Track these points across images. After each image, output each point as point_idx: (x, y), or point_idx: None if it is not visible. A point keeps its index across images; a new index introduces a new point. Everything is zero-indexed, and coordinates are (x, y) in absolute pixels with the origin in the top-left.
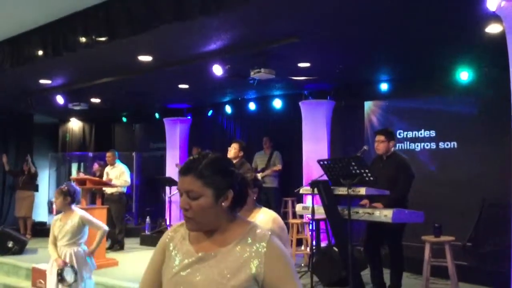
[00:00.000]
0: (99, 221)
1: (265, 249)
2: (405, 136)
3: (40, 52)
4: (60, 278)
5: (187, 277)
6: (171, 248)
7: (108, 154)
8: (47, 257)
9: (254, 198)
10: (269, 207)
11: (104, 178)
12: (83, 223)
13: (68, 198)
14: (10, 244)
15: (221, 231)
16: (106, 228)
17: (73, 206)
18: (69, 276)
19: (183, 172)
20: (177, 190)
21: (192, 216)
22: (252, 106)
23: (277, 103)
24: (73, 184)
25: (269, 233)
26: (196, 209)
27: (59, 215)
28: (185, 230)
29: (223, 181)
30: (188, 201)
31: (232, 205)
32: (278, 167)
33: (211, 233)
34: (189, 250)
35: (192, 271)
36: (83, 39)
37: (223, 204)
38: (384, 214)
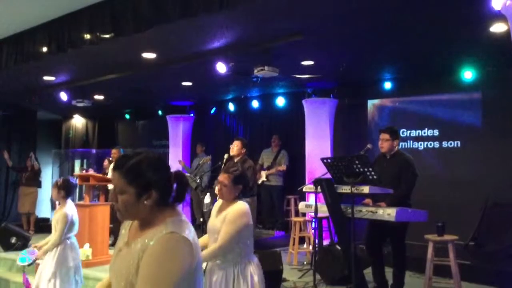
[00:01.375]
0: (61, 232)
1: (151, 246)
2: (408, 135)
3: (45, 49)
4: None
5: (114, 260)
6: (122, 232)
7: (114, 151)
8: None
9: (236, 194)
10: (273, 206)
11: (110, 175)
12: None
13: (62, 192)
14: (13, 240)
15: (147, 224)
16: (58, 242)
17: (68, 200)
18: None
19: (114, 167)
20: None
21: (118, 208)
22: (255, 104)
23: (280, 101)
24: (73, 179)
25: (168, 232)
26: (120, 203)
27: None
28: None
29: (147, 182)
30: (115, 195)
31: (158, 202)
32: (283, 167)
33: (143, 224)
34: (124, 237)
35: (118, 257)
36: (87, 36)
37: (145, 202)
38: (388, 213)
